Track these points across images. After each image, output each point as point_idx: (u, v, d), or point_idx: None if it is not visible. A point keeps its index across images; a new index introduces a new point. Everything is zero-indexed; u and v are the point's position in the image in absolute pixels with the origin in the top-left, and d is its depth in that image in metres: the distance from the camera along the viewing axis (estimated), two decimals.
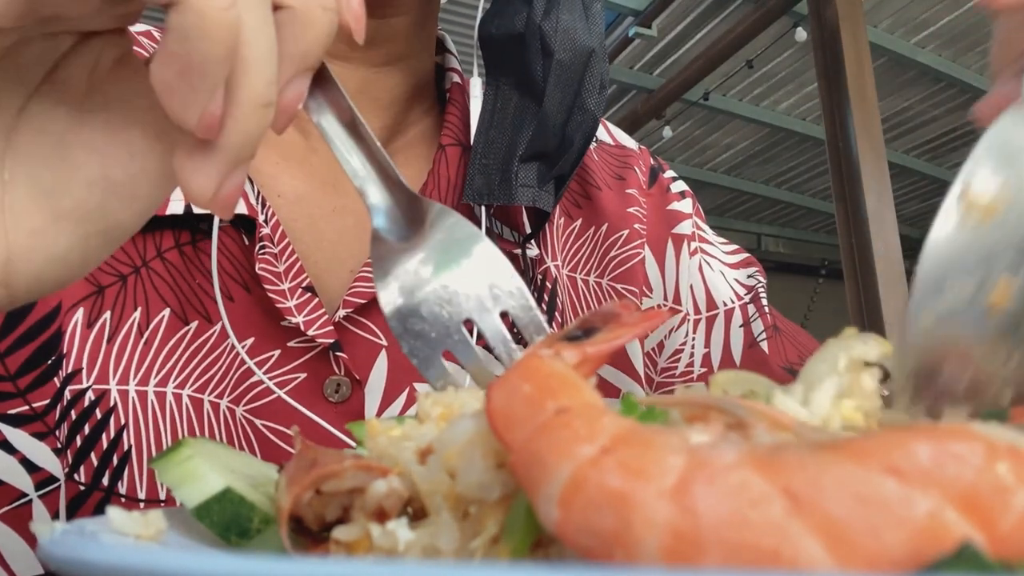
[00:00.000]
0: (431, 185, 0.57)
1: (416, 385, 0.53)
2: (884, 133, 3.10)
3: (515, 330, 0.37)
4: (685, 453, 0.18)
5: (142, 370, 0.49)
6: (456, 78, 0.63)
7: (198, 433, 0.49)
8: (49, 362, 0.48)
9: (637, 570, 0.16)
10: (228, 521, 0.28)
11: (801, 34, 3.83)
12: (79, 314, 0.49)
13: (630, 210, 0.65)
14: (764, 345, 0.65)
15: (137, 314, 0.50)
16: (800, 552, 0.15)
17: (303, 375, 0.51)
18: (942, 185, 5.79)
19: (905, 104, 4.67)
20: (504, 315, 0.36)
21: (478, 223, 0.56)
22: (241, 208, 0.51)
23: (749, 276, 0.69)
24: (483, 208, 0.56)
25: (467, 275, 0.37)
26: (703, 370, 0.64)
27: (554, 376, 0.23)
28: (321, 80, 0.34)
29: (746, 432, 0.20)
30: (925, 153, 5.39)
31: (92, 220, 0.30)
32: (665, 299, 0.65)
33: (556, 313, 0.59)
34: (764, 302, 0.67)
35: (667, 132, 4.64)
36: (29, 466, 0.47)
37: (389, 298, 0.36)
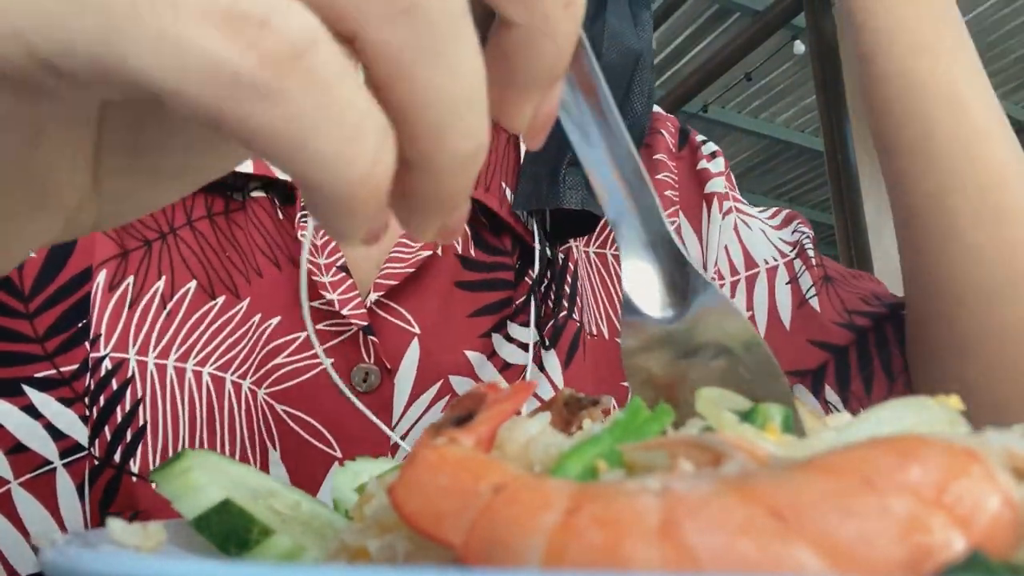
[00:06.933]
0: None
1: (451, 378, 0.50)
2: None
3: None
4: (654, 494, 0.17)
5: (163, 342, 0.47)
6: None
7: (216, 412, 0.47)
8: (80, 325, 0.45)
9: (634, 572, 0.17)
10: (227, 532, 0.28)
11: (799, 47, 3.85)
12: (102, 276, 0.46)
13: (659, 177, 0.62)
14: (814, 302, 0.60)
15: (161, 283, 0.48)
16: (803, 567, 0.15)
17: (330, 361, 0.48)
18: None
19: None
20: None
21: (500, 216, 0.55)
22: (282, 174, 0.47)
23: (793, 231, 0.64)
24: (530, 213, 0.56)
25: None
26: None
27: (467, 460, 0.21)
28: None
29: (720, 465, 0.20)
30: None
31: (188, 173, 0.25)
32: None
33: (577, 298, 0.57)
34: (810, 253, 0.61)
35: None
36: (54, 432, 0.44)
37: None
